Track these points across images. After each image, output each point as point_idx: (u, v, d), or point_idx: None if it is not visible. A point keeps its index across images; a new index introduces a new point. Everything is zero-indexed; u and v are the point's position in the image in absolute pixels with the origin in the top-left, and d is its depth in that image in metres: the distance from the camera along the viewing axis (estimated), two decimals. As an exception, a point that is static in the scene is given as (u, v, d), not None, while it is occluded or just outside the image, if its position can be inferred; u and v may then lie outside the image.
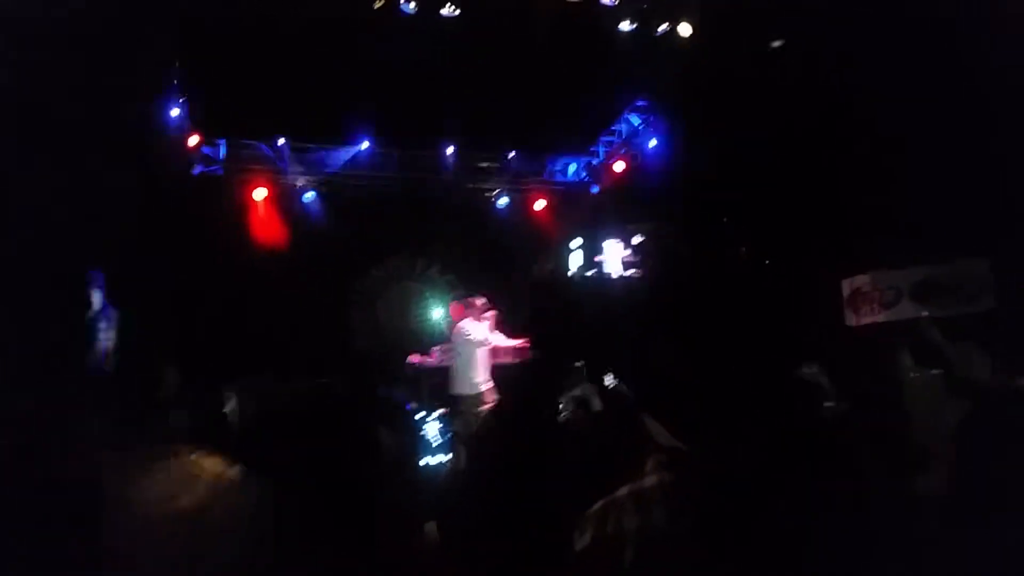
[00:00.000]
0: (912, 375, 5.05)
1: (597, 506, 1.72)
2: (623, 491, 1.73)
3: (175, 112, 10.48)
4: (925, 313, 9.32)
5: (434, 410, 2.82)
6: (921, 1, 8.62)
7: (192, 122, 10.80)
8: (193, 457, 0.91)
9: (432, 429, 2.73)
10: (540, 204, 12.98)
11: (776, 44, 10.06)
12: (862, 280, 10.26)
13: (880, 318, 9.82)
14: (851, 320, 10.24)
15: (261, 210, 11.56)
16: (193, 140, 10.91)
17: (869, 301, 10.12)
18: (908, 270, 9.88)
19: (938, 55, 8.85)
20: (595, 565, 1.64)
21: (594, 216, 12.10)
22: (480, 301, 8.60)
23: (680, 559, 1.59)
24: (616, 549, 1.63)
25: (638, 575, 1.60)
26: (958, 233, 9.30)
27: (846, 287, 10.43)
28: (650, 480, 1.75)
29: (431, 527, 2.58)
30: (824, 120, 10.03)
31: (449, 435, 2.71)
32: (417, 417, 2.78)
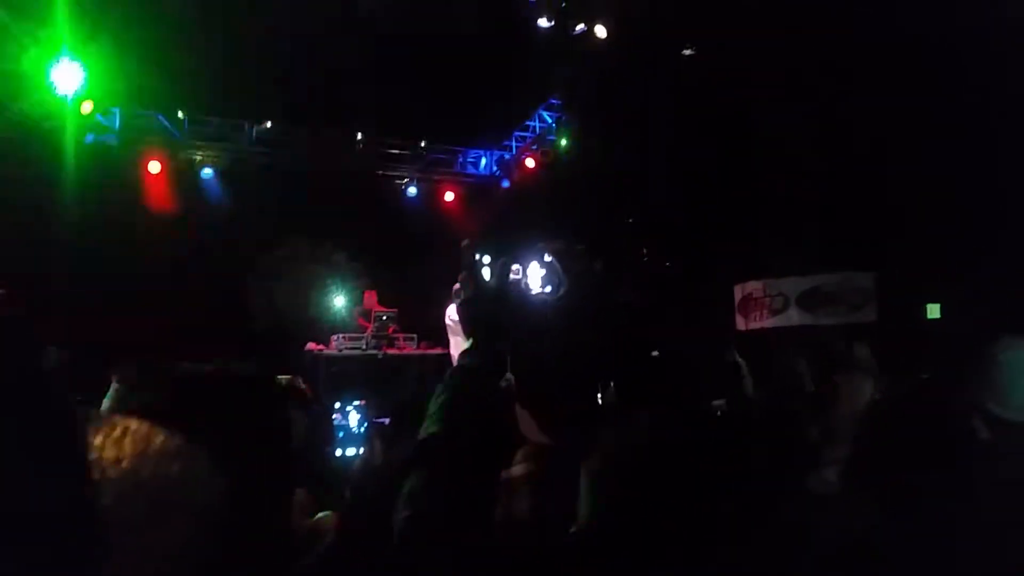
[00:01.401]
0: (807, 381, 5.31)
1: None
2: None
3: (68, 77, 9.85)
4: (809, 320, 9.86)
5: (350, 400, 2.77)
6: (829, 8, 8.95)
7: (86, 88, 10.18)
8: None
9: (352, 419, 2.69)
10: (450, 196, 12.93)
11: (687, 52, 10.34)
12: (753, 286, 10.70)
13: (768, 324, 10.27)
14: (741, 324, 10.66)
15: (156, 184, 11.03)
16: (87, 107, 10.29)
17: (759, 307, 10.57)
18: (796, 279, 10.35)
19: (835, 67, 9.28)
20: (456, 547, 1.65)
21: (503, 212, 12.12)
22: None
23: (543, 547, 1.62)
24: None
25: (503, 561, 1.62)
26: (845, 246, 9.82)
27: (738, 292, 10.85)
28: (517, 470, 1.77)
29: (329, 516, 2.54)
30: (728, 128, 10.39)
31: (365, 426, 2.68)
32: (336, 406, 2.73)
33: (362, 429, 2.71)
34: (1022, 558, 1.62)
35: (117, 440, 0.81)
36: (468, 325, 1.73)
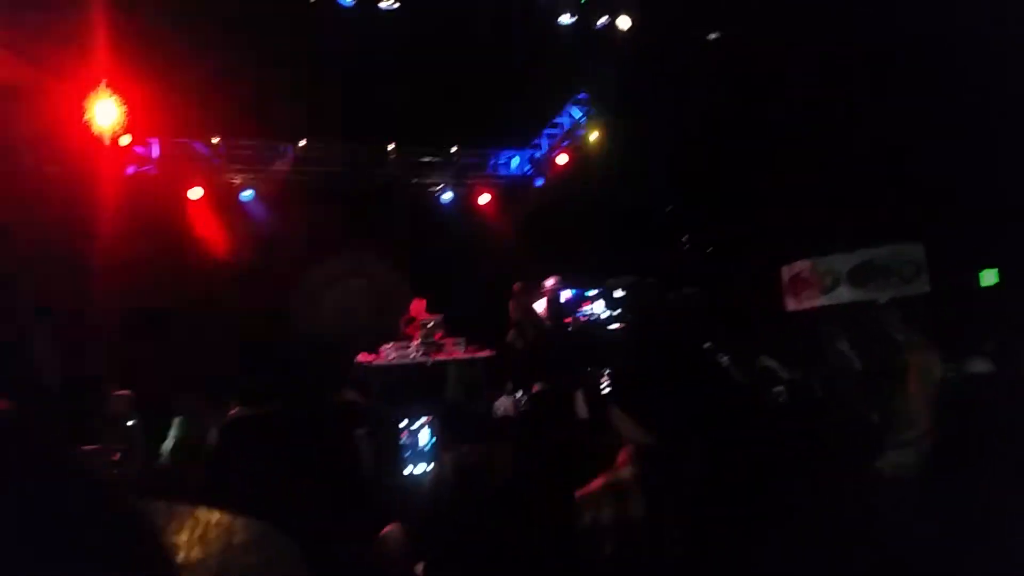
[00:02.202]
0: (855, 362, 5.21)
1: (575, 498, 1.72)
2: (597, 483, 1.74)
3: (105, 111, 10.07)
4: (861, 296, 9.66)
5: (419, 416, 2.77)
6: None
7: (123, 120, 10.41)
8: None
9: (422, 437, 2.69)
10: (485, 198, 12.95)
11: (714, 36, 10.21)
12: (801, 266, 10.50)
13: (819, 303, 10.07)
14: (791, 305, 10.48)
15: (198, 210, 11.24)
16: (125, 139, 10.53)
17: (808, 286, 10.37)
18: (845, 255, 10.14)
19: (871, 46, 9.11)
20: (575, 557, 1.64)
21: (539, 211, 12.09)
22: (552, 281, 8.67)
23: (658, 549, 1.60)
24: (595, 541, 1.63)
25: (616, 566, 1.61)
26: (894, 218, 9.61)
27: (785, 273, 10.67)
28: (625, 472, 1.75)
29: (394, 530, 2.55)
30: (764, 110, 10.24)
31: (433, 441, 2.68)
32: (402, 425, 2.73)
33: (431, 446, 2.70)
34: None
35: (201, 537, 0.80)
36: (532, 369, 1.75)
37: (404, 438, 2.79)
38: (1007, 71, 8.02)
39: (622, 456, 1.84)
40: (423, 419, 2.85)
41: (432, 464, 2.76)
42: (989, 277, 9.69)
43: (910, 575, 1.77)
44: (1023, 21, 7.57)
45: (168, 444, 5.07)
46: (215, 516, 0.83)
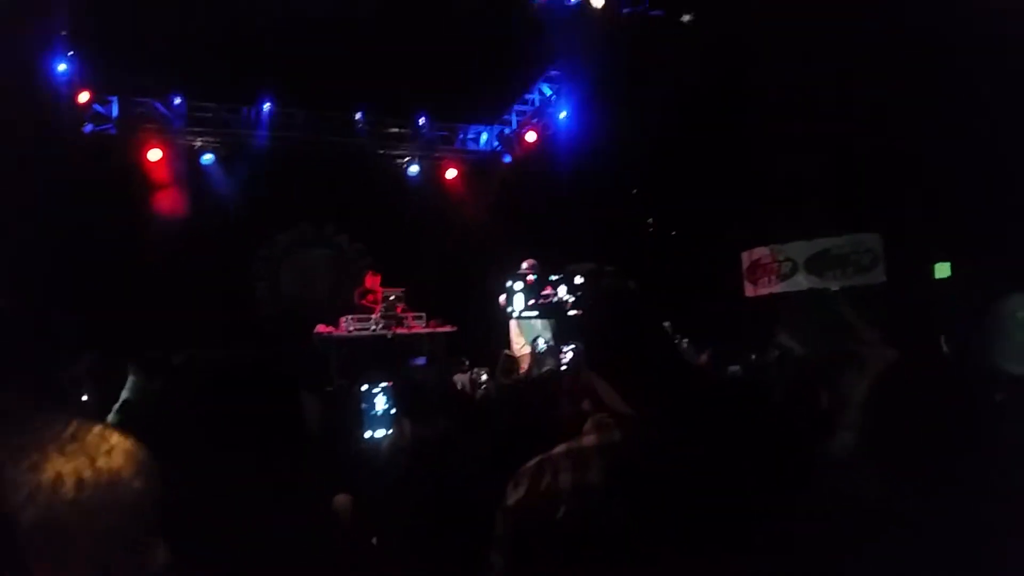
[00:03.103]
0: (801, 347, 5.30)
1: (532, 462, 1.73)
2: (560, 448, 1.75)
3: (63, 67, 9.78)
4: (817, 284, 9.84)
5: (378, 382, 2.76)
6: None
7: (82, 78, 10.12)
8: (98, 433, 0.85)
9: (379, 403, 2.68)
10: (452, 173, 12.86)
11: (686, 18, 10.21)
12: (760, 252, 10.66)
13: (777, 289, 10.24)
14: (749, 291, 10.64)
15: (156, 172, 10.98)
16: (83, 97, 10.23)
17: (767, 272, 10.53)
18: (803, 243, 10.31)
19: (839, 34, 9.18)
20: (526, 520, 1.65)
21: (505, 189, 12.05)
22: (528, 264, 8.65)
23: (613, 519, 1.61)
24: (549, 506, 1.64)
25: (571, 532, 1.62)
26: (852, 207, 9.76)
27: (746, 258, 10.82)
28: (588, 440, 1.76)
29: (343, 499, 2.55)
30: (730, 95, 10.29)
31: (391, 408, 2.68)
32: (363, 389, 2.72)
33: (390, 411, 2.69)
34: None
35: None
36: None
37: (363, 403, 2.78)
38: (971, 64, 8.14)
39: (587, 426, 1.86)
40: (382, 384, 2.84)
41: (390, 431, 2.75)
42: (943, 270, 9.90)
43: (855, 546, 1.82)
44: (992, 12, 7.67)
45: (116, 406, 4.98)
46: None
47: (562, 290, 2.58)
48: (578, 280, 2.57)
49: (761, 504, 1.74)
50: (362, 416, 2.76)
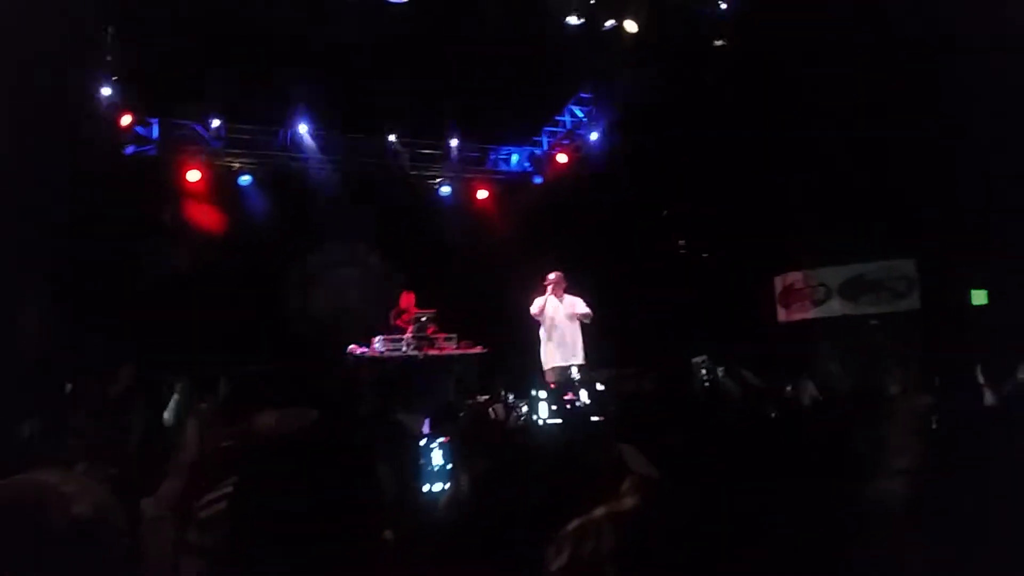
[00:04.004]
0: (845, 380, 5.27)
1: (573, 525, 1.74)
2: (600, 511, 1.76)
3: (107, 91, 10.05)
4: (852, 310, 9.75)
5: (436, 436, 2.76)
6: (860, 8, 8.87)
7: (124, 101, 10.38)
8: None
9: (436, 457, 2.68)
10: (483, 194, 12.95)
11: (718, 43, 10.24)
12: (794, 277, 10.58)
13: (810, 315, 10.15)
14: (782, 316, 10.56)
15: (196, 193, 11.19)
16: (126, 120, 10.48)
17: (800, 297, 10.46)
18: (837, 268, 10.22)
19: (871, 57, 9.15)
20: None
21: (537, 210, 12.09)
22: (555, 276, 8.84)
23: None
24: (593, 572, 1.65)
25: None
26: (887, 233, 9.67)
27: (778, 283, 10.74)
28: (628, 502, 1.78)
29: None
30: (764, 117, 10.29)
31: (450, 461, 2.68)
32: (422, 443, 2.73)
33: (448, 466, 2.68)
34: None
35: None
36: None
37: (422, 459, 2.78)
38: (1010, 86, 8.05)
39: (624, 486, 1.88)
40: (440, 439, 2.84)
41: (448, 485, 2.75)
42: (979, 297, 9.77)
43: None
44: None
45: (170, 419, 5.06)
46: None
47: (583, 395, 2.64)
48: (599, 387, 2.61)
49: (799, 558, 1.75)
50: (423, 469, 2.77)
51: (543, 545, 1.70)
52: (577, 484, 2.04)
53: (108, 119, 10.23)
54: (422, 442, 2.77)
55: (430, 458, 2.75)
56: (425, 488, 2.71)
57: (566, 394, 6.81)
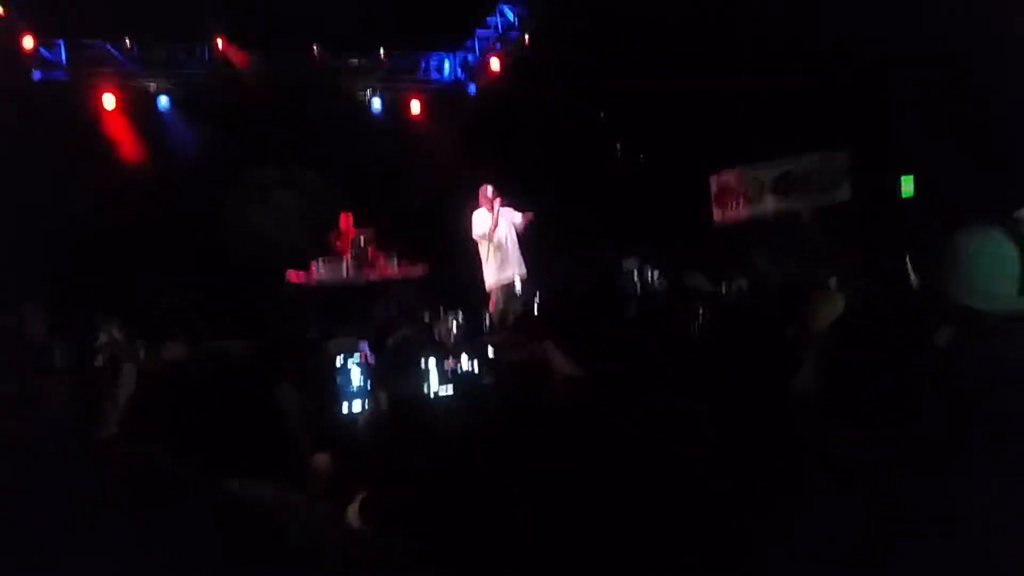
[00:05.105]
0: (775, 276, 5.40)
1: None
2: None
3: (1, 11, 9.36)
4: (784, 206, 9.90)
5: (351, 353, 2.74)
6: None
7: (23, 21, 9.69)
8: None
9: (355, 376, 2.68)
10: (416, 106, 12.61)
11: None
12: (728, 176, 10.66)
13: (744, 213, 10.29)
14: (718, 216, 10.68)
15: (113, 119, 10.67)
16: (28, 42, 9.82)
17: (734, 196, 10.56)
18: (770, 164, 10.30)
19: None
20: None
21: (472, 120, 11.84)
22: (489, 189, 8.58)
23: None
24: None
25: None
26: (817, 127, 9.74)
27: (713, 183, 10.82)
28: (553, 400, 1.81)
29: (321, 458, 2.59)
30: (698, 15, 10.10)
31: (366, 381, 2.69)
32: (337, 364, 2.72)
33: (366, 384, 2.70)
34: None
35: None
36: None
37: (339, 380, 2.79)
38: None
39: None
40: (355, 356, 2.84)
41: (366, 403, 2.78)
42: (907, 184, 9.96)
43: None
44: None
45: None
46: None
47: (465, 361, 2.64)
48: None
49: (718, 453, 1.81)
50: (338, 391, 2.78)
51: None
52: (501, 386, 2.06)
53: (8, 41, 9.58)
54: (338, 362, 2.78)
55: (348, 378, 2.77)
56: (344, 408, 2.74)
57: (509, 312, 6.90)
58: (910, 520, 1.50)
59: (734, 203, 10.45)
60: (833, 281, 4.50)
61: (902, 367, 1.97)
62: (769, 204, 10.05)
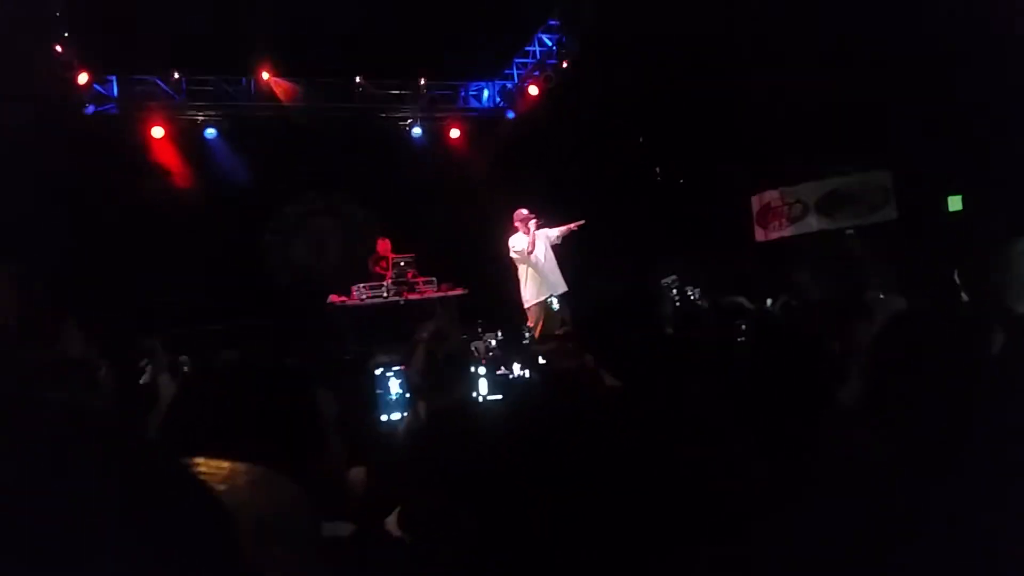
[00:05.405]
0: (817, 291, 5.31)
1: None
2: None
3: (59, 49, 9.72)
4: (829, 225, 9.76)
5: (391, 365, 2.77)
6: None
7: (79, 58, 10.06)
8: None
9: (392, 387, 2.71)
10: (455, 133, 12.75)
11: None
12: (771, 195, 10.56)
13: (788, 232, 10.16)
14: (760, 236, 10.57)
15: (161, 149, 10.99)
16: (82, 78, 10.19)
17: (777, 216, 10.45)
18: (813, 184, 10.19)
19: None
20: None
21: (511, 146, 11.91)
22: (524, 212, 8.75)
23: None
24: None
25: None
26: (862, 147, 9.61)
27: (755, 203, 10.72)
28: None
29: (358, 471, 2.60)
30: (735, 39, 10.09)
31: (404, 391, 2.72)
32: (377, 373, 2.75)
33: (405, 395, 2.73)
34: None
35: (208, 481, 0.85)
36: None
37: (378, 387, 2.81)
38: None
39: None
40: (396, 368, 2.87)
41: (405, 413, 2.79)
42: (955, 203, 9.76)
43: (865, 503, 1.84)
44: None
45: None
46: (215, 463, 0.88)
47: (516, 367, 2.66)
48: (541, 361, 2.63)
49: (756, 466, 1.77)
50: (378, 400, 2.80)
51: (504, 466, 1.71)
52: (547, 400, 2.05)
53: (64, 78, 9.94)
54: (378, 372, 2.80)
55: (387, 388, 2.79)
56: (383, 417, 2.76)
57: (555, 329, 6.90)
58: (966, 536, 1.45)
59: (777, 222, 10.34)
60: (878, 296, 4.41)
61: (950, 381, 1.91)
62: (813, 223, 9.92)
